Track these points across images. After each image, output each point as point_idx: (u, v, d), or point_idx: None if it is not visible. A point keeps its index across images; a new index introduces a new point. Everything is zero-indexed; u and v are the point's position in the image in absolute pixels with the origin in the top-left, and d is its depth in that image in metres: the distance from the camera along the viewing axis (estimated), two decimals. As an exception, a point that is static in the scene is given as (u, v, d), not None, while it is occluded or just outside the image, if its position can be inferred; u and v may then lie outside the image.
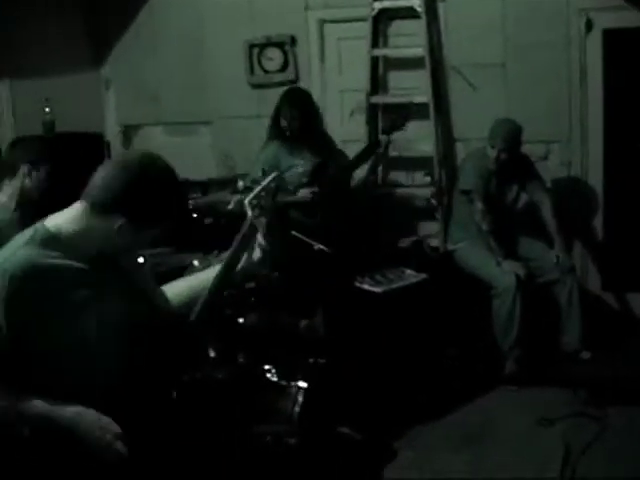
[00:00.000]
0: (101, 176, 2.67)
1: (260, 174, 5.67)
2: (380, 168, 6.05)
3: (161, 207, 2.67)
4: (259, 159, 5.82)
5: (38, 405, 2.59)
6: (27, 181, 4.65)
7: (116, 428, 2.61)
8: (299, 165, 5.75)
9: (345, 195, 5.79)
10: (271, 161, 5.71)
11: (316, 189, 5.64)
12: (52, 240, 2.65)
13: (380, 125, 6.58)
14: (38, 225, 2.71)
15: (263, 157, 5.82)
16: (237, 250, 3.02)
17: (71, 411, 2.60)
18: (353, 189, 5.90)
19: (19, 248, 2.63)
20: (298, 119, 5.73)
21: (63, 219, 2.71)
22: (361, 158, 5.83)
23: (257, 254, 3.08)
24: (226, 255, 3.06)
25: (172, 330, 2.91)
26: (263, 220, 3.03)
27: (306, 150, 5.79)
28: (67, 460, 2.64)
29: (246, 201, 3.03)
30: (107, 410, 2.64)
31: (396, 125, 5.61)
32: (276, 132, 5.86)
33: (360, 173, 6.12)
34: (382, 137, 5.65)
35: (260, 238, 3.06)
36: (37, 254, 2.60)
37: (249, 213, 3.02)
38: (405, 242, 6.36)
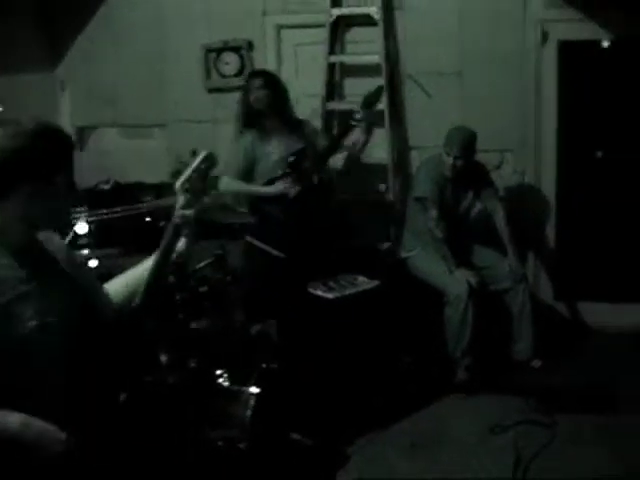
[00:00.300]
0: None
1: (236, 167, 5.65)
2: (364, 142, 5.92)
3: (46, 152, 2.58)
4: (233, 151, 5.73)
5: None
6: None
7: (62, 436, 2.58)
8: (273, 153, 5.66)
9: (316, 190, 5.74)
10: (247, 151, 5.65)
11: (293, 183, 5.56)
12: None
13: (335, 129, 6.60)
14: None
15: (238, 148, 5.72)
16: (171, 236, 2.98)
17: (14, 422, 2.54)
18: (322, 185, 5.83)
19: None
20: (267, 95, 5.63)
21: None
22: (336, 142, 5.76)
23: (183, 243, 3.05)
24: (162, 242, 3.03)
25: (118, 328, 2.88)
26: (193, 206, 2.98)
27: (279, 135, 5.68)
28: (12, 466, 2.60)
29: (177, 185, 2.97)
30: (53, 414, 2.61)
31: (371, 100, 5.55)
32: (246, 120, 5.75)
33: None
34: (360, 111, 5.53)
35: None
36: None
37: (180, 199, 2.96)
38: (358, 248, 6.35)
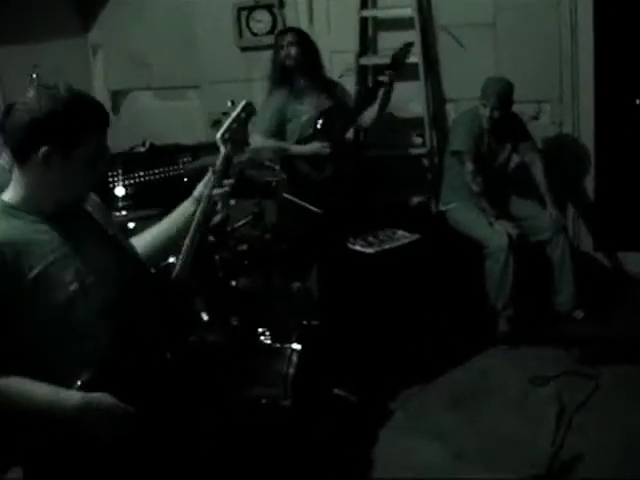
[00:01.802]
0: (6, 126, 2.63)
1: (267, 125, 5.64)
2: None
3: (70, 119, 2.59)
4: (265, 109, 5.72)
5: (37, 393, 2.55)
6: None
7: (123, 410, 2.59)
8: (304, 112, 5.66)
9: (348, 147, 5.72)
10: (279, 109, 5.67)
11: (327, 143, 5.55)
12: (9, 211, 2.64)
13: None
14: None
15: (270, 106, 5.73)
16: (213, 187, 2.98)
17: (73, 403, 2.55)
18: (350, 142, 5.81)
19: None
20: (298, 52, 5.64)
21: (12, 186, 2.71)
22: (364, 101, 5.75)
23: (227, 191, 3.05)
24: (201, 190, 3.03)
25: (162, 285, 2.89)
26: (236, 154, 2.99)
27: (310, 94, 5.68)
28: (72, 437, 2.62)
29: (218, 136, 2.97)
30: (103, 378, 2.62)
31: (399, 59, 5.51)
32: (277, 78, 5.76)
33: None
34: (387, 72, 5.52)
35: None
36: None
37: (222, 149, 2.97)
38: (396, 203, 6.33)
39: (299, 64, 5.64)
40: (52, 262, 2.61)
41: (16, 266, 2.55)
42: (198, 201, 3.05)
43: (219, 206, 3.03)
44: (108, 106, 7.85)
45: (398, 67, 5.42)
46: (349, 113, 5.71)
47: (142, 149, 7.03)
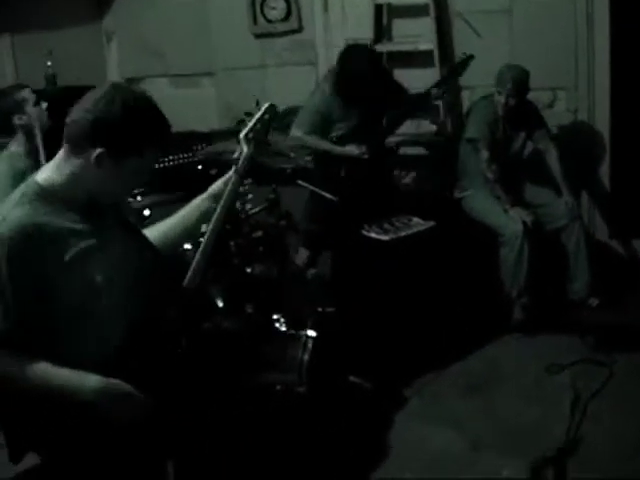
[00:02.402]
0: (72, 112, 2.65)
1: (310, 122, 5.61)
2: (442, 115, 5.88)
3: (134, 130, 2.61)
4: (312, 105, 5.68)
5: (57, 375, 2.58)
6: (33, 110, 4.63)
7: (138, 397, 2.61)
8: (352, 119, 5.61)
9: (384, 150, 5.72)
10: (326, 111, 5.59)
11: (366, 147, 5.54)
12: (44, 194, 2.64)
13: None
14: (29, 180, 2.70)
15: (317, 105, 5.66)
16: (236, 185, 3.00)
17: (92, 386, 2.58)
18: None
19: (12, 209, 2.60)
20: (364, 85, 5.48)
21: (50, 169, 2.71)
22: (411, 111, 5.76)
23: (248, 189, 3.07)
24: (219, 186, 3.04)
25: (179, 276, 2.90)
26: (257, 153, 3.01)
27: (362, 104, 5.60)
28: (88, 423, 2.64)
29: (241, 135, 3.00)
30: (122, 365, 2.64)
31: (457, 70, 5.51)
32: (337, 89, 5.59)
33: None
34: (434, 90, 5.55)
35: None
36: (29, 213, 2.58)
37: (245, 148, 2.99)
38: (411, 189, 6.32)
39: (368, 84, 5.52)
40: (81, 251, 2.62)
41: (47, 251, 2.56)
42: (214, 197, 3.06)
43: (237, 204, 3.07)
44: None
45: (454, 78, 5.44)
46: (393, 119, 5.71)
47: (157, 136, 7.03)
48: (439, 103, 5.57)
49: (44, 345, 2.62)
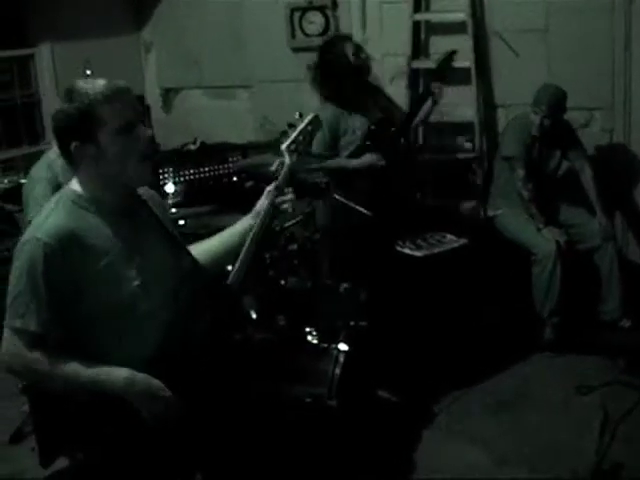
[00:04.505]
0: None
1: (322, 141, 5.60)
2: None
3: (90, 110, 2.66)
4: (325, 110, 5.54)
5: (88, 370, 2.63)
6: None
7: (167, 393, 2.65)
8: (357, 126, 5.58)
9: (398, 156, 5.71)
10: (332, 125, 5.53)
11: (380, 155, 5.48)
12: (78, 200, 2.72)
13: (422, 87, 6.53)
14: (65, 188, 2.78)
15: (323, 118, 5.66)
16: (276, 196, 3.02)
17: (121, 377, 2.64)
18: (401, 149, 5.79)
19: (49, 215, 2.69)
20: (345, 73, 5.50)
21: (77, 178, 2.78)
22: (414, 110, 5.75)
23: (291, 199, 3.08)
24: (263, 203, 3.06)
25: (215, 285, 2.93)
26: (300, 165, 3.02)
27: (362, 109, 5.61)
28: (121, 424, 2.68)
29: (283, 147, 3.01)
30: (155, 370, 2.67)
31: (443, 68, 5.51)
32: (331, 92, 5.62)
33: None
34: (434, 85, 5.54)
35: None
36: (65, 219, 2.66)
37: (287, 159, 3.00)
38: (445, 207, 6.33)
39: (350, 74, 5.54)
40: (116, 256, 2.68)
41: (81, 256, 2.63)
42: (259, 214, 3.07)
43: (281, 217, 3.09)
44: (160, 103, 7.93)
45: (444, 76, 5.44)
46: (399, 121, 5.70)
47: (193, 147, 7.09)
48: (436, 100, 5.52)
49: (78, 348, 2.68)
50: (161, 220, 2.94)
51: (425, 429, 4.66)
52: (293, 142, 3.01)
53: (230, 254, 3.09)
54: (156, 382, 2.65)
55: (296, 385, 3.94)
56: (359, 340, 4.14)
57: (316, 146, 5.46)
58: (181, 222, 5.19)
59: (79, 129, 2.66)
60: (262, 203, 3.08)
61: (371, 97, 5.71)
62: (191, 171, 6.40)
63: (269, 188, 3.06)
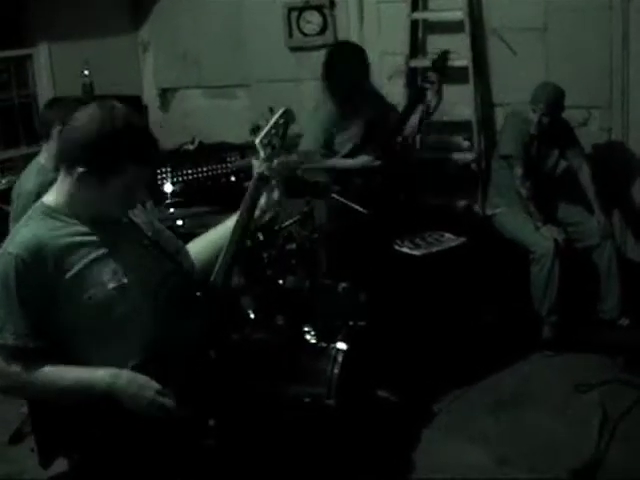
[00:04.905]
0: (63, 132, 2.78)
1: (316, 141, 5.61)
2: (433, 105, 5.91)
3: (111, 148, 2.65)
4: (313, 123, 5.68)
5: (70, 374, 2.64)
6: None
7: (155, 385, 2.64)
8: (352, 125, 5.61)
9: (395, 155, 5.71)
10: (326, 124, 5.59)
11: (375, 155, 5.50)
12: (49, 212, 2.72)
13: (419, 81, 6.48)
14: (37, 203, 2.78)
15: (317, 120, 5.67)
16: (253, 193, 3.01)
17: (105, 375, 2.64)
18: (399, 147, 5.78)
19: (19, 228, 2.70)
20: (354, 77, 5.55)
21: (55, 189, 2.79)
22: (411, 106, 5.73)
23: (275, 194, 3.07)
24: (244, 201, 3.05)
25: (202, 289, 2.92)
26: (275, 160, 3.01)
27: (357, 105, 5.62)
28: (116, 425, 2.67)
29: (257, 141, 3.00)
30: (141, 372, 2.68)
31: (439, 64, 5.51)
32: (331, 91, 5.63)
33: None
34: (430, 74, 5.56)
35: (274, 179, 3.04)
36: (35, 231, 2.66)
37: (261, 153, 3.00)
38: (443, 206, 6.33)
39: (354, 86, 5.57)
40: (91, 262, 2.68)
41: (55, 265, 2.63)
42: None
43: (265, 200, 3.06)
44: (157, 103, 7.93)
45: (440, 70, 5.44)
46: (395, 120, 5.70)
47: (191, 147, 7.10)
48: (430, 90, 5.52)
49: (62, 356, 2.68)
50: (139, 225, 2.93)
51: (424, 429, 4.67)
52: (266, 136, 2.99)
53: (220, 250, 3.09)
54: (141, 376, 2.66)
55: (295, 385, 3.94)
56: (358, 339, 4.13)
57: (310, 144, 5.49)
58: (179, 222, 5.18)
59: (100, 161, 2.65)
60: (247, 199, 3.07)
61: (368, 96, 5.71)
62: (189, 171, 6.41)
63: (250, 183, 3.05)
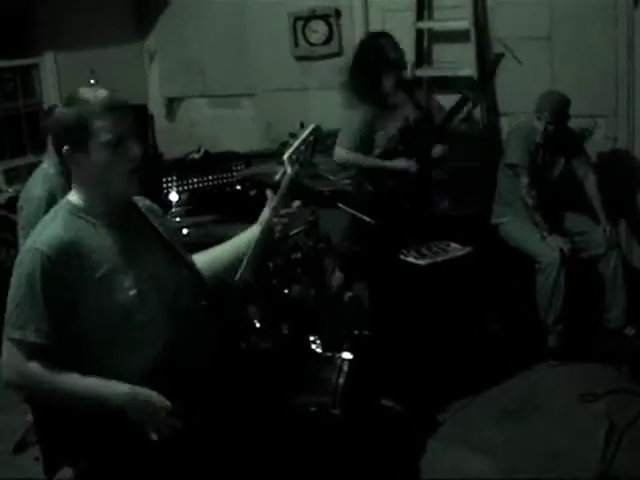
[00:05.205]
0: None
1: (353, 138, 5.59)
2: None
3: (82, 119, 2.68)
4: (351, 120, 5.66)
5: (87, 384, 2.64)
6: None
7: (167, 405, 2.64)
8: (393, 125, 5.61)
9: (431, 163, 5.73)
10: (366, 122, 5.58)
11: (414, 160, 5.54)
12: (75, 211, 2.74)
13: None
14: (63, 200, 2.79)
15: (356, 118, 5.64)
16: (278, 206, 3.01)
17: (122, 392, 2.64)
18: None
19: (46, 226, 2.71)
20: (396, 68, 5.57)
21: (74, 187, 2.81)
22: (452, 116, 5.73)
23: (294, 211, 3.07)
24: (266, 212, 3.05)
25: (215, 295, 2.92)
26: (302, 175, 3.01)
27: (400, 105, 5.64)
28: (123, 437, 2.67)
29: (285, 157, 3.00)
30: (155, 380, 2.67)
31: (489, 70, 5.54)
32: (368, 91, 5.61)
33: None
34: (465, 92, 5.59)
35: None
36: (63, 230, 2.67)
37: (289, 169, 2.99)
38: (449, 215, 6.32)
39: (389, 69, 5.56)
40: (113, 266, 2.69)
41: (80, 266, 2.64)
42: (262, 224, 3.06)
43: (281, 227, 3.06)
44: (163, 112, 7.94)
45: (485, 80, 5.48)
46: (435, 128, 5.70)
47: (196, 156, 7.11)
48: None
49: (78, 359, 2.68)
50: (157, 230, 2.94)
51: (429, 438, 4.66)
52: (294, 152, 2.99)
53: (234, 266, 3.06)
54: (156, 396, 2.66)
55: (300, 394, 3.93)
56: (363, 349, 4.13)
57: (346, 139, 5.48)
58: (185, 231, 5.18)
59: (72, 135, 2.68)
60: (265, 215, 3.06)
61: (409, 94, 5.72)
62: (195, 180, 6.43)
63: (270, 197, 3.05)
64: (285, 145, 3.08)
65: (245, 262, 2.90)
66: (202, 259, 3.14)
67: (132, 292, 2.70)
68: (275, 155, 5.78)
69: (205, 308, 2.85)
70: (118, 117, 2.73)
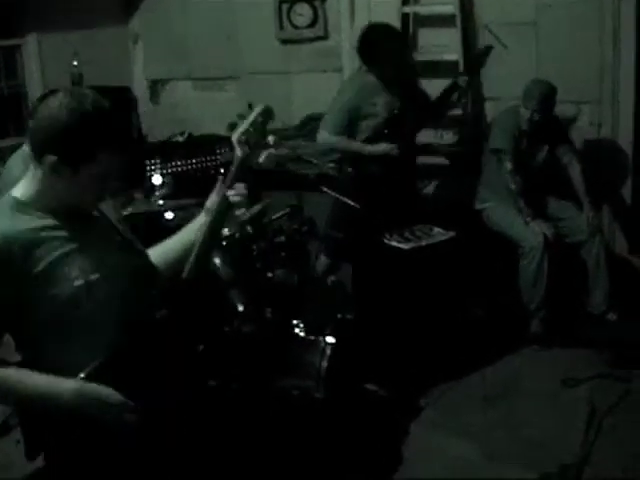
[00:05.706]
0: (31, 122, 2.65)
1: (338, 122, 5.59)
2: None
3: (81, 136, 2.58)
4: (337, 104, 5.71)
5: (35, 383, 2.57)
6: None
7: (119, 398, 2.59)
8: (381, 110, 5.61)
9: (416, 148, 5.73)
10: (352, 106, 5.61)
11: (396, 144, 5.55)
12: (19, 206, 2.64)
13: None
14: (5, 196, 2.71)
15: (341, 101, 5.70)
16: (223, 191, 2.95)
17: (69, 389, 2.56)
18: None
19: None
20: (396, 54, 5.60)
21: (26, 182, 2.71)
22: (442, 103, 5.79)
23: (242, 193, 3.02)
24: (214, 198, 3.01)
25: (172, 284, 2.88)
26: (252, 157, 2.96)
27: (389, 90, 5.64)
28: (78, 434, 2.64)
29: (233, 138, 2.95)
30: (107, 372, 2.62)
31: (478, 60, 5.53)
32: (370, 66, 5.65)
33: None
34: (461, 78, 5.60)
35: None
36: (4, 226, 2.59)
37: (238, 151, 2.94)
38: (433, 199, 6.33)
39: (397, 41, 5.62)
40: (58, 258, 2.61)
41: (23, 261, 2.56)
42: (209, 211, 2.99)
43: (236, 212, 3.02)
44: (147, 94, 7.91)
45: (474, 70, 5.45)
46: (422, 114, 5.70)
47: (180, 139, 7.09)
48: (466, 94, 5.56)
49: (30, 355, 2.66)
50: (111, 221, 2.90)
51: (412, 423, 4.66)
52: (243, 133, 2.94)
53: (187, 255, 2.99)
54: (105, 390, 2.57)
55: (283, 378, 3.94)
56: (346, 333, 4.13)
57: (331, 123, 5.49)
58: (169, 215, 5.16)
59: (67, 153, 2.58)
60: (212, 199, 3.02)
61: (410, 76, 5.77)
62: (179, 163, 6.40)
63: (219, 182, 2.99)
64: (234, 127, 3.00)
65: (193, 257, 2.85)
66: (157, 252, 3.08)
67: (78, 282, 2.63)
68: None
69: (157, 297, 2.79)
70: (121, 152, 2.69)
